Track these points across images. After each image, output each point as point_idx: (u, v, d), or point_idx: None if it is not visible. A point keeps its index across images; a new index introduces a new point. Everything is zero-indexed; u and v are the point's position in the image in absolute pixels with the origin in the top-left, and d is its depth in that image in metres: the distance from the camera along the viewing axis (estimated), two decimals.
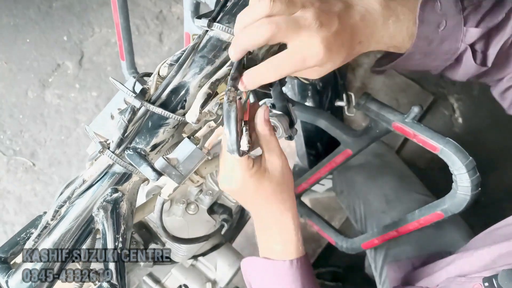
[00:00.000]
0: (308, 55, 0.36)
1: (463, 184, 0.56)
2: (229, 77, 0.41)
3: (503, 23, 0.44)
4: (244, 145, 0.43)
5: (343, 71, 0.93)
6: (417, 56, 0.44)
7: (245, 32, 0.37)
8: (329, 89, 0.83)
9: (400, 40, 0.42)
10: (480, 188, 0.56)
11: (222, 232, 0.73)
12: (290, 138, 0.65)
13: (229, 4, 0.47)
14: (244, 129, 0.43)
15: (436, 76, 1.50)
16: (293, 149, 1.24)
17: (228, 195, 0.65)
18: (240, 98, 0.44)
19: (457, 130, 1.45)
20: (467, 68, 0.46)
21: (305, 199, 1.24)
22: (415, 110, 0.60)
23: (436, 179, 1.26)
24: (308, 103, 0.85)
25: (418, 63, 0.46)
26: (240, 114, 0.42)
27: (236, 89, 0.41)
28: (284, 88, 0.93)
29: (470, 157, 0.56)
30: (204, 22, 0.46)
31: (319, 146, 0.90)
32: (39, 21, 1.67)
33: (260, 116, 0.44)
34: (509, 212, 1.41)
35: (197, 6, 0.80)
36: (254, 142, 0.46)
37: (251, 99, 0.67)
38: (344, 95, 0.77)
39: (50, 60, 1.59)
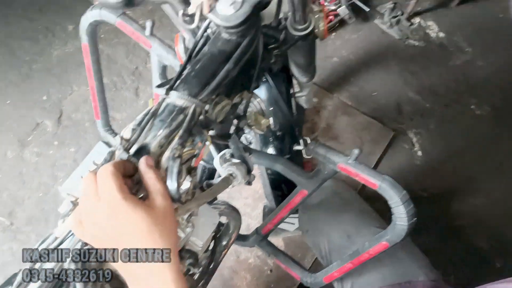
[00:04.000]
0: None
1: (400, 216, 0.63)
2: (176, 137, 0.49)
3: None
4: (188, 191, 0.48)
5: (300, 120, 1.03)
6: None
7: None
8: (288, 136, 0.92)
9: None
10: (415, 218, 0.63)
11: (195, 278, 0.76)
12: (248, 183, 0.72)
13: (184, 73, 0.56)
14: (188, 176, 0.49)
15: (395, 114, 1.62)
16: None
17: (195, 240, 0.69)
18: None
19: (418, 163, 1.55)
20: None
21: (278, 239, 1.28)
22: (355, 152, 0.68)
23: None
24: (271, 148, 0.93)
25: None
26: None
27: (183, 147, 0.48)
28: (248, 136, 1.02)
29: (404, 191, 0.63)
30: (162, 90, 0.54)
31: (284, 187, 0.97)
32: (20, 83, 1.75)
33: (142, 161, 0.46)
34: (472, 237, 1.47)
35: (163, 69, 0.89)
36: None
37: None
38: (301, 140, 0.84)
39: (30, 120, 1.65)
